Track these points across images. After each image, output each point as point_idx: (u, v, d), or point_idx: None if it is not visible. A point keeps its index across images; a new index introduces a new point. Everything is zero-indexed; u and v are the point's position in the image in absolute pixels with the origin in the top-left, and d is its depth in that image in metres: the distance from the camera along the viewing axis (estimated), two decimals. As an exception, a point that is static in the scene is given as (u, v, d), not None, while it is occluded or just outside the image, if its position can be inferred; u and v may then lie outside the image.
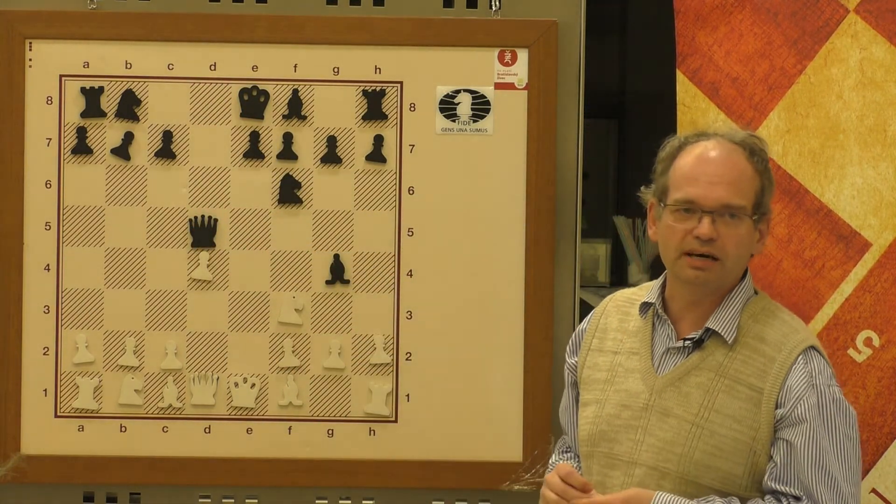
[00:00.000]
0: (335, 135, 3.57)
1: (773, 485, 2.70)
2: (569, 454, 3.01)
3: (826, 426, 2.70)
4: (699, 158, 2.75)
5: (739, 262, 2.76)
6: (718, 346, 2.77)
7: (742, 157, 2.75)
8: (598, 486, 2.78)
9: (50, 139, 3.55)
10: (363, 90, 3.56)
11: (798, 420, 2.69)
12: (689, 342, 2.77)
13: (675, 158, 2.78)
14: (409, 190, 3.57)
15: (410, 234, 3.57)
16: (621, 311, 2.91)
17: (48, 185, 3.55)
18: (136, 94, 3.55)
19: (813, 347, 2.76)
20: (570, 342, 2.99)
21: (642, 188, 2.87)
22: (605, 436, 2.81)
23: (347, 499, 3.59)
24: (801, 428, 2.69)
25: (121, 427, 3.57)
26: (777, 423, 2.71)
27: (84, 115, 3.55)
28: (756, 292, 2.84)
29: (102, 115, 3.55)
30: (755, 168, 2.75)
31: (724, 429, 2.72)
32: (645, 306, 2.85)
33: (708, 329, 2.77)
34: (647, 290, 2.90)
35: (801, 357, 2.74)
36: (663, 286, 2.84)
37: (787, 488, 2.69)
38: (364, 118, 3.57)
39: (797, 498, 2.68)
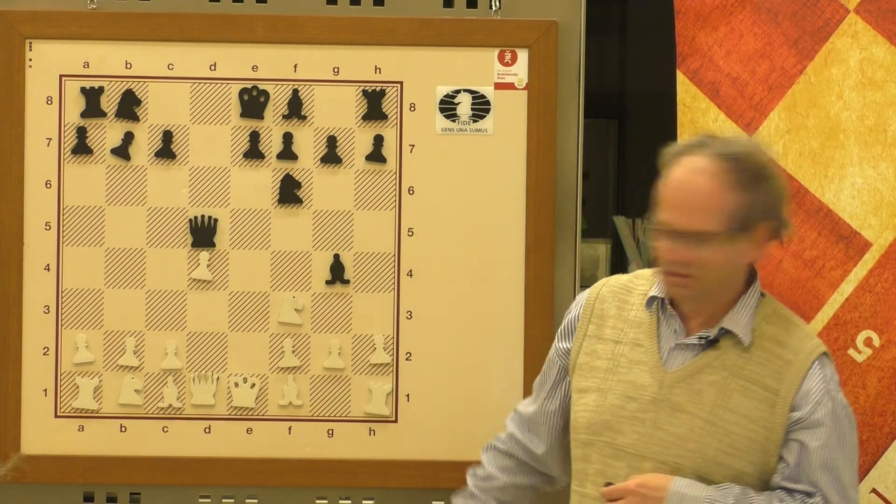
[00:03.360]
0: (335, 135, 3.57)
1: (784, 483, 2.73)
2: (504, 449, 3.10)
3: (838, 433, 2.75)
4: (674, 176, 2.76)
5: (720, 275, 2.77)
6: (732, 346, 2.79)
7: (714, 174, 2.72)
8: (598, 475, 2.83)
9: (50, 139, 3.55)
10: (363, 90, 3.56)
11: (815, 423, 2.73)
12: (703, 340, 2.79)
13: (665, 177, 2.78)
14: (409, 190, 3.57)
15: (410, 234, 3.57)
16: (618, 298, 2.92)
17: (48, 185, 3.55)
18: (136, 94, 3.55)
19: (826, 354, 2.81)
20: (563, 327, 2.99)
21: None
22: (608, 425, 2.83)
23: (347, 499, 3.59)
24: (817, 431, 2.73)
25: (121, 427, 3.57)
26: (791, 424, 2.75)
27: (84, 115, 3.55)
28: (763, 294, 2.86)
29: (102, 115, 3.55)
30: (730, 185, 2.72)
31: (738, 427, 2.74)
32: (652, 301, 2.86)
33: (723, 329, 2.78)
34: (642, 279, 2.93)
35: (816, 362, 2.78)
36: None
37: (798, 486, 2.73)
38: (364, 118, 3.57)
39: (809, 494, 2.71)
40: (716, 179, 2.73)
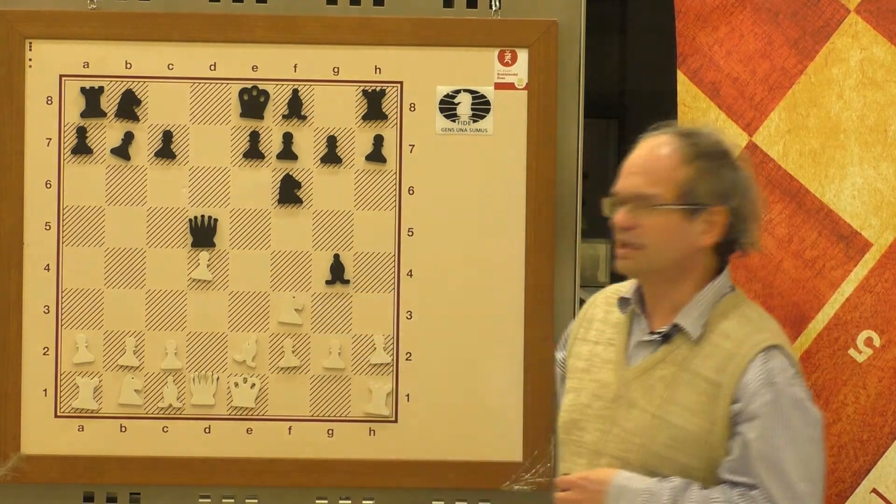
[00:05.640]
0: (335, 135, 3.57)
1: (728, 476, 2.72)
2: None
3: (783, 425, 2.71)
4: (632, 153, 2.84)
5: (666, 250, 2.79)
6: (685, 341, 2.80)
7: (669, 148, 2.79)
8: (566, 474, 2.86)
9: (50, 139, 3.55)
10: (363, 90, 3.56)
11: (752, 415, 2.72)
12: (657, 336, 2.81)
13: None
14: (409, 190, 3.57)
15: (410, 234, 3.57)
16: (607, 301, 2.96)
17: (48, 185, 3.55)
18: (136, 94, 3.55)
19: (776, 346, 2.77)
20: (561, 339, 3.03)
21: None
22: (577, 424, 2.86)
23: (347, 499, 3.59)
24: (754, 423, 2.71)
25: (121, 427, 3.57)
26: (734, 417, 2.73)
27: (84, 115, 3.55)
28: (733, 289, 2.86)
29: (102, 115, 3.55)
30: (682, 158, 2.78)
31: (681, 420, 2.75)
32: (623, 301, 2.88)
33: (675, 325, 2.79)
34: (631, 283, 2.95)
35: (760, 355, 2.75)
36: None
37: (741, 479, 2.71)
38: (364, 118, 3.57)
39: (751, 486, 2.70)
40: (670, 151, 2.79)
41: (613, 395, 2.82)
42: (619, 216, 2.80)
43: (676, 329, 2.80)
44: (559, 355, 3.03)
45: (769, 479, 2.69)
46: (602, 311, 2.95)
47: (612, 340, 2.88)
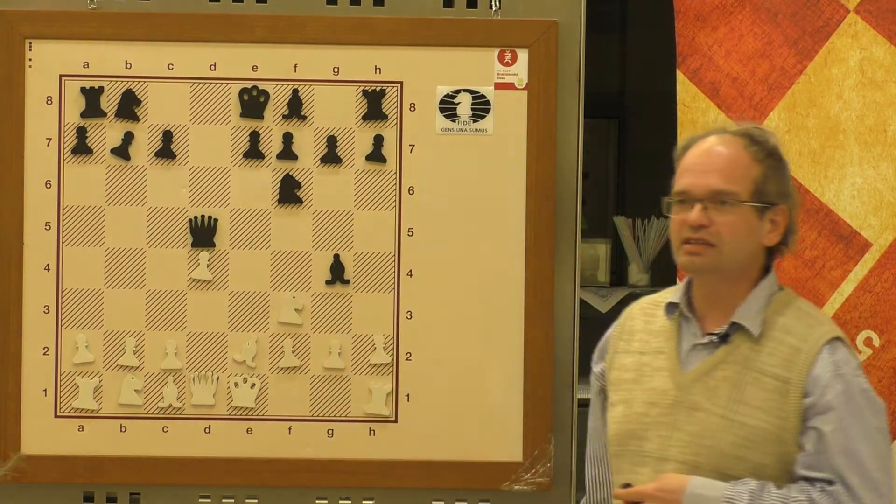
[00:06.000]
0: (335, 135, 3.57)
1: (804, 472, 2.70)
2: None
3: (856, 416, 2.71)
4: (695, 151, 2.79)
5: (739, 248, 2.77)
6: (744, 340, 2.78)
7: (737, 146, 2.77)
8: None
9: (50, 139, 3.55)
10: (363, 90, 3.56)
11: (826, 407, 2.70)
12: (714, 337, 2.79)
13: (682, 158, 2.81)
14: (409, 190, 3.57)
15: (410, 234, 3.57)
16: (646, 313, 2.93)
17: (48, 185, 3.55)
18: (136, 94, 3.55)
19: (838, 338, 2.77)
20: (597, 350, 3.00)
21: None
22: (634, 434, 2.82)
23: (347, 499, 3.59)
24: (829, 415, 2.70)
25: (121, 427, 3.57)
26: (805, 411, 2.72)
27: (84, 115, 3.55)
28: (781, 288, 2.85)
29: (102, 115, 3.55)
30: (753, 157, 2.77)
31: (752, 419, 2.73)
32: (671, 307, 2.87)
33: (734, 323, 2.78)
34: (669, 292, 2.93)
35: (826, 347, 2.75)
36: (688, 286, 2.86)
37: (818, 474, 2.69)
38: (364, 118, 3.57)
39: (829, 482, 2.68)
40: (740, 149, 2.77)
41: (672, 400, 2.79)
42: (694, 214, 2.75)
43: (735, 328, 2.79)
44: (596, 368, 2.99)
45: (848, 471, 2.68)
46: (641, 321, 2.93)
47: (660, 348, 2.86)
